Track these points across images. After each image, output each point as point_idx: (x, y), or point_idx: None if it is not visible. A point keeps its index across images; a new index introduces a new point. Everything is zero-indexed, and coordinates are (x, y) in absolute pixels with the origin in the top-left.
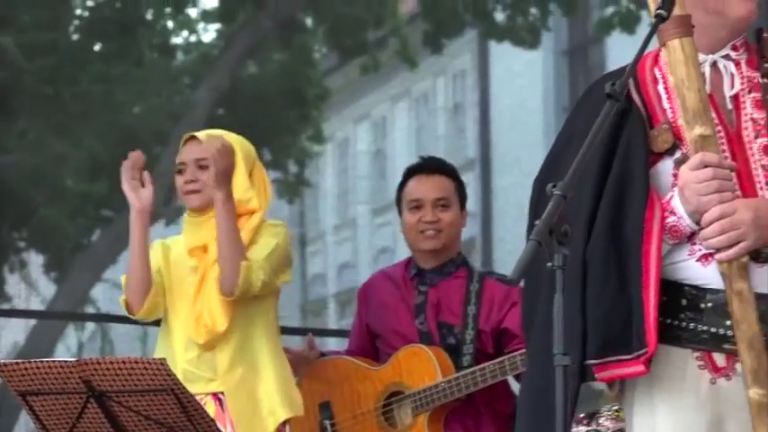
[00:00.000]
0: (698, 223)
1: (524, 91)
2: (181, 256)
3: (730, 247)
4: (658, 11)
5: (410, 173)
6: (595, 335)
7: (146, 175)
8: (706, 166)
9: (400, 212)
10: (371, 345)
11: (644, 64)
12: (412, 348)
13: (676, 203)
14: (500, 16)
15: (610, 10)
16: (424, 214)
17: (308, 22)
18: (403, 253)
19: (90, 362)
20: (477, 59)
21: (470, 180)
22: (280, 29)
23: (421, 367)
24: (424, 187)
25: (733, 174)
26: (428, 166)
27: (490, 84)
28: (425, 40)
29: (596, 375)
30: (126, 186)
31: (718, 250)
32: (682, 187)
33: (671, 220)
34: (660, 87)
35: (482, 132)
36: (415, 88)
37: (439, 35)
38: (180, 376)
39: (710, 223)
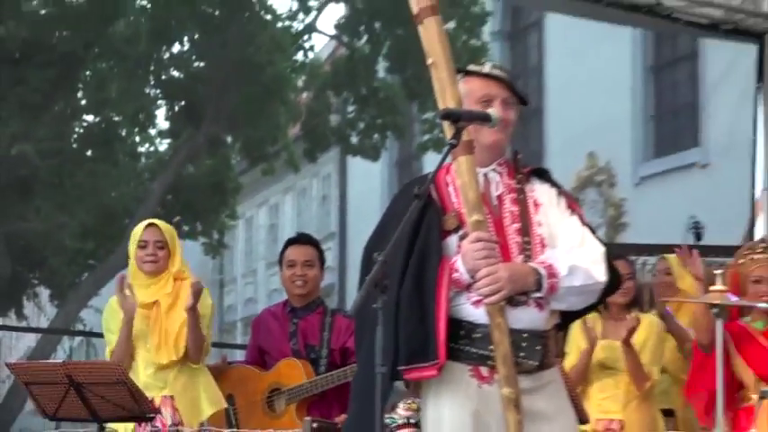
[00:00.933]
0: (473, 278)
1: (369, 189)
2: (118, 309)
3: (493, 294)
4: (450, 140)
5: (289, 242)
6: (404, 350)
7: (128, 287)
8: (479, 240)
9: (281, 268)
10: (261, 358)
11: (441, 172)
12: (288, 360)
13: (459, 264)
14: (354, 139)
15: (427, 136)
16: (296, 271)
17: (229, 139)
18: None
19: (71, 363)
20: (339, 167)
21: (333, 246)
22: (209, 143)
23: (294, 373)
24: (296, 252)
25: (496, 246)
26: (299, 239)
27: (347, 183)
28: (305, 154)
29: (405, 376)
30: (118, 296)
31: (486, 297)
32: (463, 254)
33: (455, 275)
34: (450, 188)
35: (341, 215)
36: (298, 184)
37: (314, 150)
38: (142, 386)
39: (481, 278)
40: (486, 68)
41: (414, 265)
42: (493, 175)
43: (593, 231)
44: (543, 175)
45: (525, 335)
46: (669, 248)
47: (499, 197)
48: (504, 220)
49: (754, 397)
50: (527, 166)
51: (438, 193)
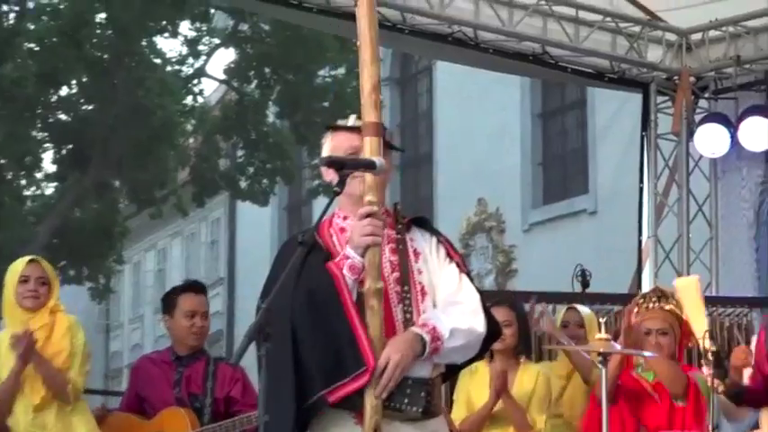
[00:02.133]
0: (362, 255)
1: (258, 234)
2: (6, 347)
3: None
4: (335, 188)
5: (183, 289)
6: (318, 374)
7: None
8: (367, 216)
9: (171, 315)
10: (139, 405)
11: (325, 224)
12: (171, 410)
13: (349, 251)
14: (243, 183)
15: (316, 182)
16: (196, 321)
17: (116, 183)
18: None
19: None
20: (228, 211)
21: (221, 291)
22: (97, 187)
23: (177, 422)
24: (195, 302)
25: (383, 222)
26: (197, 287)
27: (236, 228)
28: (194, 198)
29: (331, 399)
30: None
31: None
32: (351, 234)
33: (347, 262)
34: (334, 239)
35: (229, 260)
36: (186, 229)
37: (203, 195)
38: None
39: (378, 374)
40: (351, 121)
41: (303, 295)
42: None
43: (471, 279)
44: (423, 224)
45: (409, 381)
46: (558, 296)
47: (379, 248)
48: (384, 270)
49: None
50: (406, 216)
51: (323, 242)
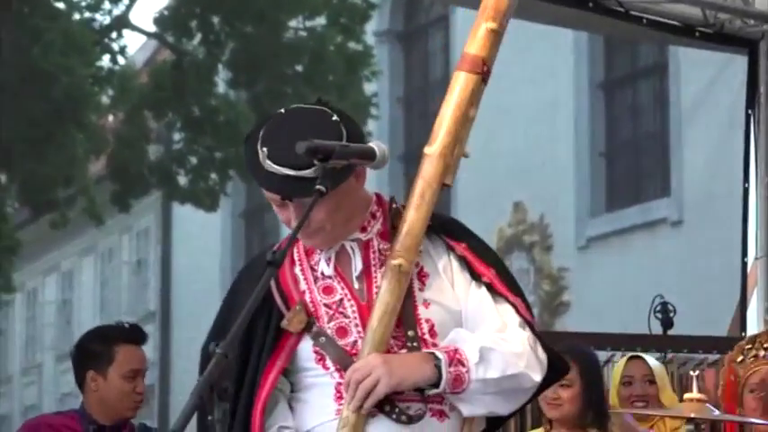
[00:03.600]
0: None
1: (203, 250)
2: None
3: (366, 397)
4: (318, 186)
5: (125, 338)
6: None
7: None
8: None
9: (97, 370)
10: None
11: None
12: None
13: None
14: (183, 180)
15: None
16: (137, 385)
17: (2, 178)
18: None
19: None
20: (161, 219)
21: (151, 331)
22: None
23: None
24: (138, 358)
25: None
26: (139, 336)
27: (172, 242)
28: (113, 199)
29: None
30: None
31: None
32: None
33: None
34: (297, 270)
35: (163, 287)
36: (101, 243)
37: (126, 195)
38: None
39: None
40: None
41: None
42: (352, 245)
43: (518, 295)
44: (432, 227)
45: None
46: (629, 339)
47: (366, 274)
48: (376, 306)
49: None
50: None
51: (278, 276)
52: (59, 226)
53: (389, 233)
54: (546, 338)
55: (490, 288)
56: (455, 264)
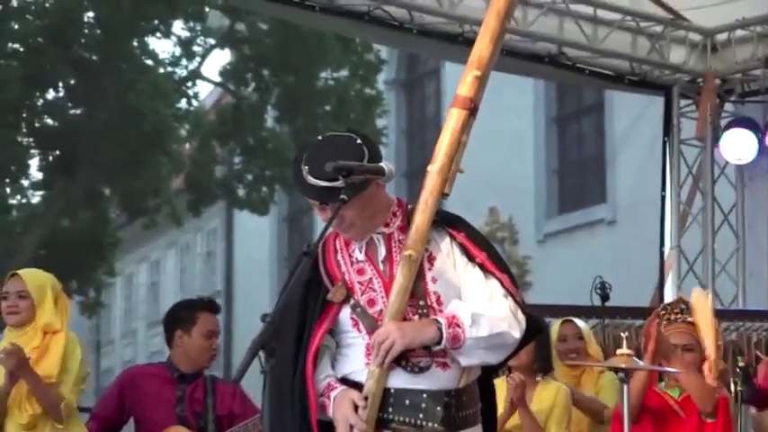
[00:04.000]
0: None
1: (257, 245)
2: None
3: (386, 354)
4: (342, 197)
5: (204, 307)
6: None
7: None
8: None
9: (185, 330)
10: (119, 416)
11: (331, 236)
12: (174, 429)
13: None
14: (241, 192)
15: None
16: (213, 343)
17: (107, 191)
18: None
19: None
20: (225, 221)
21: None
22: (86, 196)
23: None
24: (216, 322)
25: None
26: (216, 306)
27: (234, 239)
28: (189, 207)
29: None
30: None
31: (376, 358)
32: (337, 406)
33: (324, 400)
34: (339, 256)
35: (227, 273)
36: (180, 240)
37: (199, 204)
38: None
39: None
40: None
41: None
42: (378, 237)
43: (504, 275)
44: (437, 220)
45: (425, 395)
46: (576, 310)
47: (389, 258)
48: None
49: None
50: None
51: (325, 261)
52: (149, 227)
53: (406, 228)
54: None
55: (482, 267)
56: (456, 249)
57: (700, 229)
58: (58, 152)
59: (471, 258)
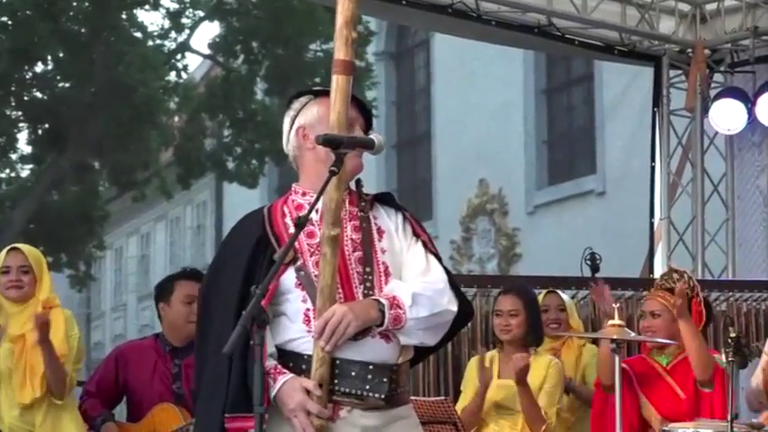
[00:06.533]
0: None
1: None
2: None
3: (338, 337)
4: (331, 168)
5: (183, 276)
6: (231, 396)
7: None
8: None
9: (165, 301)
10: (115, 389)
11: (278, 203)
12: (161, 406)
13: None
14: (231, 164)
15: None
16: (194, 309)
17: (96, 165)
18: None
19: None
20: (215, 194)
21: None
22: (75, 169)
23: (170, 418)
24: (193, 289)
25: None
26: (194, 274)
27: (223, 211)
28: (178, 180)
29: (226, 424)
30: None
31: (329, 340)
32: (285, 393)
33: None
34: (287, 219)
35: (217, 245)
36: (170, 213)
37: (188, 177)
38: (7, 429)
39: (321, 326)
40: None
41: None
42: None
43: (439, 258)
44: (388, 200)
45: (371, 367)
46: (565, 281)
47: (341, 226)
48: (345, 249)
49: None
50: (368, 194)
51: (272, 223)
52: (139, 200)
53: (357, 201)
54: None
55: (424, 245)
56: (401, 225)
57: (689, 200)
58: (46, 125)
59: (416, 235)
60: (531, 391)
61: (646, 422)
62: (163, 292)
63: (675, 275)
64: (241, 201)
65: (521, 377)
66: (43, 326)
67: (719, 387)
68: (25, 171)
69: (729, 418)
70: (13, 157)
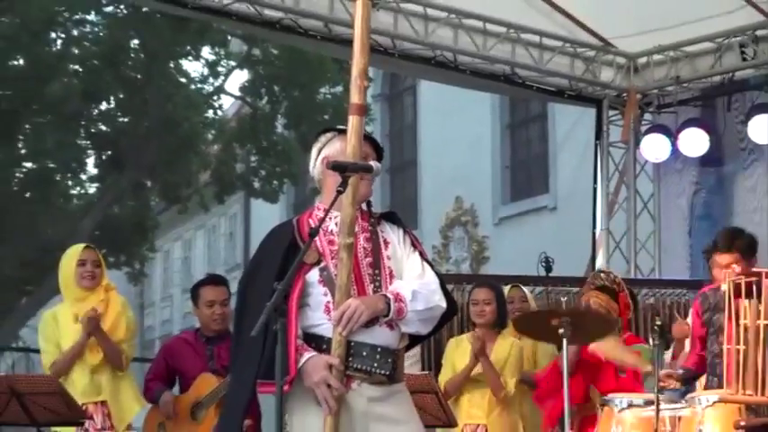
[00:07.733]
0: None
1: (269, 226)
2: (66, 318)
3: (353, 323)
4: (338, 188)
5: (203, 283)
6: (264, 366)
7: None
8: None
9: (196, 305)
10: (167, 374)
11: (305, 216)
12: (202, 375)
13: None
14: (257, 184)
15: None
16: (215, 310)
17: (149, 183)
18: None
19: (12, 376)
20: (244, 208)
21: (238, 275)
22: (132, 187)
23: (209, 383)
24: (214, 293)
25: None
26: (214, 280)
27: (251, 222)
28: (215, 196)
29: (258, 389)
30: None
31: (346, 326)
32: (312, 370)
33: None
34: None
35: (245, 249)
36: (208, 223)
37: (222, 194)
38: (79, 393)
39: (339, 315)
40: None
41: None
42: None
43: (432, 265)
44: (393, 218)
45: (379, 349)
46: (525, 279)
47: (355, 236)
48: (359, 255)
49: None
50: (377, 213)
51: (300, 231)
52: (182, 212)
53: (368, 218)
54: (478, 279)
55: (421, 255)
56: (402, 238)
57: (624, 215)
58: (109, 152)
59: (414, 246)
60: (491, 362)
61: (586, 396)
62: (193, 297)
63: (602, 274)
64: (265, 213)
65: (478, 351)
66: (93, 321)
67: (629, 372)
68: (92, 189)
69: (656, 390)
70: (83, 177)
